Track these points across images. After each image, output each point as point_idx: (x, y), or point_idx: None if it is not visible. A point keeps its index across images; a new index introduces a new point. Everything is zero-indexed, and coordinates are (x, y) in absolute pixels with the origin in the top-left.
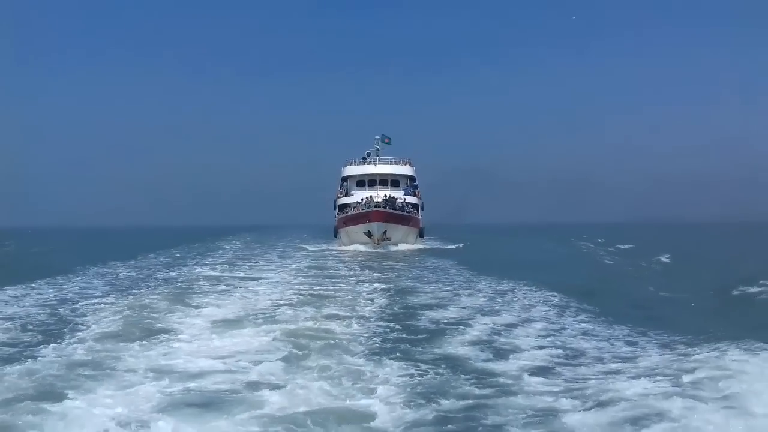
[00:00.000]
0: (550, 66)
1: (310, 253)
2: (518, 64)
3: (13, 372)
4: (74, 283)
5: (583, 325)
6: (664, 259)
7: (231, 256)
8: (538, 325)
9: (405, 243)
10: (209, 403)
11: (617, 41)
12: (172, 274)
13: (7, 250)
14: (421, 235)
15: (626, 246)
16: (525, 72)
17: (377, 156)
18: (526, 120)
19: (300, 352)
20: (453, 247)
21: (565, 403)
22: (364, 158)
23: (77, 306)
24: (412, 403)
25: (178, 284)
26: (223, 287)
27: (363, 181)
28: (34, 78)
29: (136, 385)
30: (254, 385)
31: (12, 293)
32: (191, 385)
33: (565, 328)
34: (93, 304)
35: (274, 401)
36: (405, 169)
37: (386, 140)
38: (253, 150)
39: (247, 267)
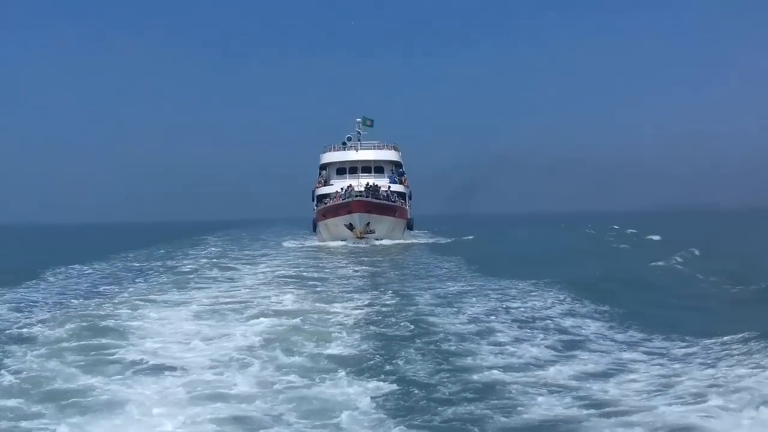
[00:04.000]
0: (577, 42)
1: (283, 253)
2: (538, 40)
3: (89, 304)
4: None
5: (589, 327)
6: (696, 252)
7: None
8: (528, 321)
9: (390, 237)
10: (222, 319)
11: (651, 16)
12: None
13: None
14: (409, 227)
15: (656, 237)
16: (546, 48)
17: (359, 141)
18: (551, 101)
19: (288, 295)
20: (447, 241)
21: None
22: (344, 143)
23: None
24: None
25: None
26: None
27: (343, 169)
28: None
29: (170, 310)
30: (255, 305)
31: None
32: (205, 314)
33: (565, 328)
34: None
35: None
36: (390, 155)
37: (368, 123)
38: (225, 140)
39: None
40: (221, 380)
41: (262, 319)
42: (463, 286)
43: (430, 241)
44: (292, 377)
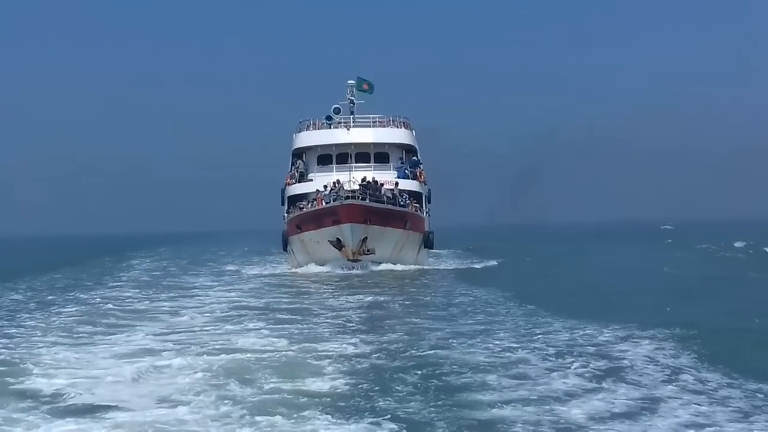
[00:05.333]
0: None
1: (240, 282)
2: None
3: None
4: None
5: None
6: None
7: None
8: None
9: (397, 260)
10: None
11: None
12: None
13: None
14: (427, 244)
15: None
16: None
17: (351, 114)
18: (651, 54)
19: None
20: (486, 264)
21: None
22: (329, 118)
23: None
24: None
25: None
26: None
27: (328, 156)
28: None
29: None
30: (203, 344)
31: None
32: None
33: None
34: None
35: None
36: (398, 135)
37: (365, 86)
38: (157, 118)
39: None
40: (166, 420)
41: (212, 356)
42: (499, 324)
43: (460, 266)
44: (255, 417)
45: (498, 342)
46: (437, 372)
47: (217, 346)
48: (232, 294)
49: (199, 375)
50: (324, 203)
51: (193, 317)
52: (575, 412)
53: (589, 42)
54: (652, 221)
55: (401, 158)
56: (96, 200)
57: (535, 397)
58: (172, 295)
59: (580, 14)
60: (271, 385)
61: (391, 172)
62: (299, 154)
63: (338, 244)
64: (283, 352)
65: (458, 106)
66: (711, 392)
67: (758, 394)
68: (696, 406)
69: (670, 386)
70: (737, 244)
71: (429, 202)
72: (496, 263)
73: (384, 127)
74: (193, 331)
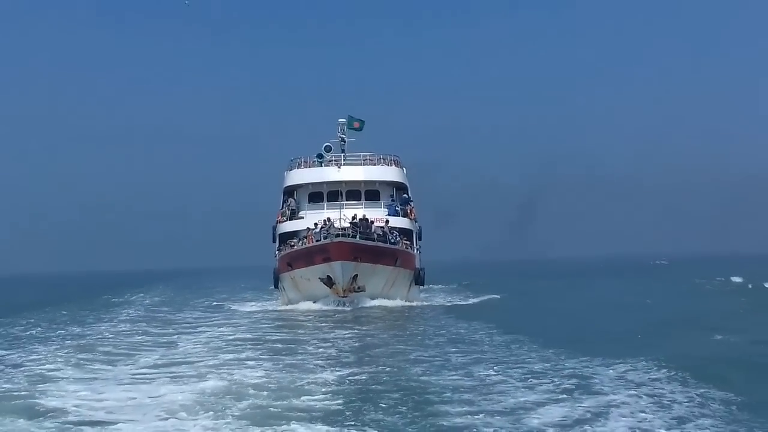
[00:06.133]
0: None
1: (229, 318)
2: None
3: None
4: None
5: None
6: None
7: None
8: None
9: (388, 296)
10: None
11: None
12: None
13: None
14: (418, 280)
15: None
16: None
17: (342, 152)
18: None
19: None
20: (478, 300)
21: None
22: (320, 156)
23: None
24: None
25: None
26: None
27: (319, 194)
28: None
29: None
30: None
31: None
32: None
33: None
34: None
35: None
36: (389, 173)
37: (355, 125)
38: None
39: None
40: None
41: (208, 381)
42: (480, 354)
43: (452, 301)
44: (247, 429)
45: (480, 368)
46: (419, 391)
47: (213, 372)
48: (227, 328)
49: (197, 396)
50: (314, 241)
51: (191, 348)
52: (537, 418)
53: (592, 80)
54: (649, 256)
55: (392, 196)
56: (95, 236)
57: (507, 409)
58: (168, 330)
59: (582, 53)
60: (264, 403)
61: (382, 209)
62: (290, 191)
63: (329, 282)
64: (276, 377)
65: (458, 136)
66: (660, 400)
67: (699, 399)
68: (643, 414)
69: (626, 398)
70: (735, 279)
71: (420, 239)
72: (488, 298)
73: (375, 164)
74: (190, 361)
